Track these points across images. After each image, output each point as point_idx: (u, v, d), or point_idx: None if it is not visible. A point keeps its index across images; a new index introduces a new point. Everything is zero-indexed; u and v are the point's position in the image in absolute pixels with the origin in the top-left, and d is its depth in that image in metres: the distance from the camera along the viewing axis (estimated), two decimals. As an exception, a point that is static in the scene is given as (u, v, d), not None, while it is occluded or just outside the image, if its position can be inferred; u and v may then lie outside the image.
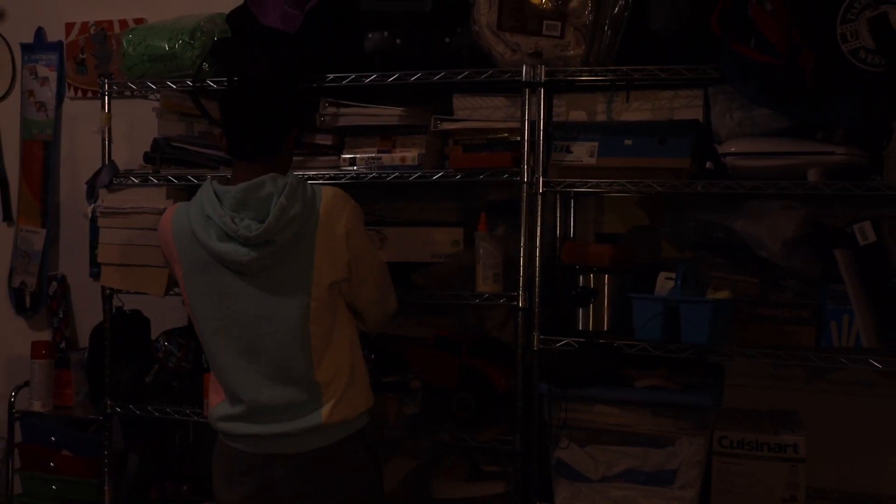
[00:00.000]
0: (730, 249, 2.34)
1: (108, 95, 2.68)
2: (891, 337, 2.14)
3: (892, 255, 2.14)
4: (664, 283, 2.26)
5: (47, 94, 3.25)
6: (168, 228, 2.02)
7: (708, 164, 2.26)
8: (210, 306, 1.98)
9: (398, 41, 2.41)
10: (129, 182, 2.62)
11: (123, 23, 3.15)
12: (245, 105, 2.06)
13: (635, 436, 2.21)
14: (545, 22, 2.29)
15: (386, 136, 2.48)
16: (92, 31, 3.20)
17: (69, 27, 3.23)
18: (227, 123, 2.07)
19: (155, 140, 2.69)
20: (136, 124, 2.98)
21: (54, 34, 3.25)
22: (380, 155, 2.47)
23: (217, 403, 2.05)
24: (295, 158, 2.56)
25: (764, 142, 2.20)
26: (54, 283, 3.21)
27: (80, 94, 3.24)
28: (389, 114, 2.46)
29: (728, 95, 2.23)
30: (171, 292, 2.58)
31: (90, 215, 2.63)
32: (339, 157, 2.52)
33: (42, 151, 3.25)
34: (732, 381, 2.45)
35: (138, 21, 3.11)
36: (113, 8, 3.17)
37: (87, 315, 3.18)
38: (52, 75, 3.24)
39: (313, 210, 1.95)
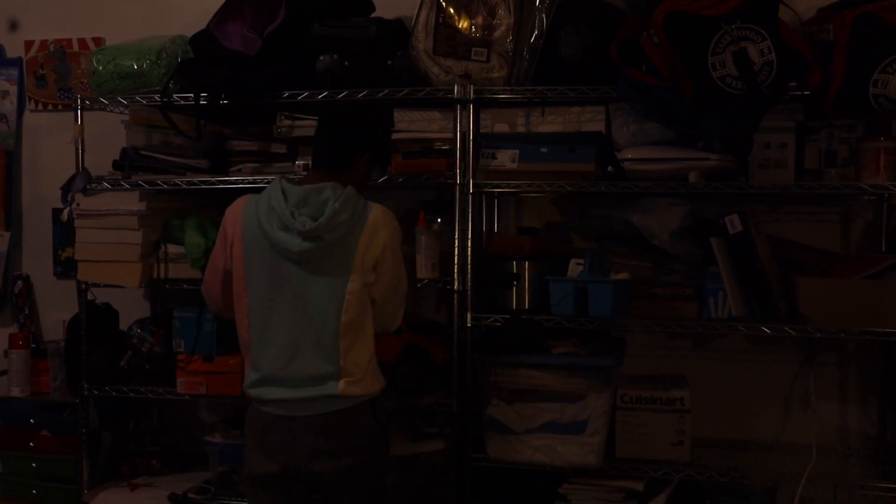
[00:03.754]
0: (628, 239, 2.73)
1: (80, 109, 2.96)
2: (754, 308, 2.59)
3: (755, 242, 2.59)
4: (575, 268, 2.68)
5: (8, 106, 3.48)
6: (240, 213, 2.33)
7: (609, 168, 2.68)
8: (264, 281, 2.28)
9: (346, 63, 2.75)
10: (103, 187, 2.91)
11: (82, 41, 3.41)
12: (327, 123, 2.41)
13: (553, 393, 2.61)
14: (473, 49, 2.68)
15: (335, 145, 2.84)
16: (51, 48, 3.45)
17: (28, 44, 3.47)
18: (314, 136, 2.42)
19: (123, 149, 2.98)
20: (95, 134, 3.22)
21: (14, 51, 3.49)
22: (330, 161, 2.83)
23: (248, 374, 2.34)
24: (252, 165, 2.91)
25: (654, 149, 2.61)
26: (19, 282, 3.44)
27: (40, 106, 3.48)
28: (339, 126, 2.82)
29: (625, 111, 2.63)
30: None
31: (66, 217, 2.90)
32: (294, 163, 2.87)
33: (4, 160, 3.48)
34: (632, 352, 2.87)
35: (97, 40, 3.39)
36: (71, 27, 3.42)
37: (50, 311, 3.45)
38: (13, 89, 3.48)
39: (362, 219, 2.27)
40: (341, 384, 2.26)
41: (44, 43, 3.46)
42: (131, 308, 3.18)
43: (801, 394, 2.88)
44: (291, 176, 2.49)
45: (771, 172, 2.64)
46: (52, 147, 3.45)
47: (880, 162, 2.55)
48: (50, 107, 3.47)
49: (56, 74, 3.45)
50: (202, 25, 2.87)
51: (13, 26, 3.43)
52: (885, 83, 2.39)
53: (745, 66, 2.36)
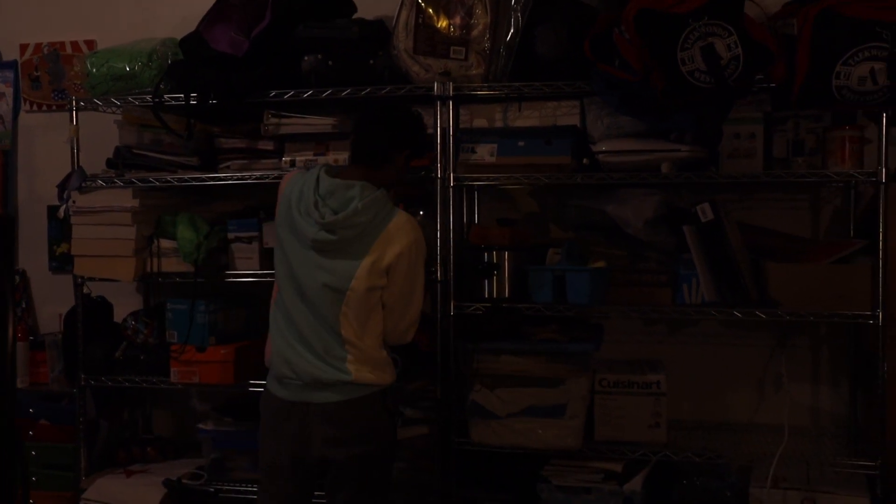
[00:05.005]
0: (604, 229, 2.81)
1: (74, 110, 3.05)
2: (726, 293, 2.68)
3: (726, 230, 2.67)
4: (553, 257, 2.78)
5: (4, 107, 3.57)
6: (284, 186, 2.42)
7: (585, 161, 2.77)
8: (286, 258, 2.37)
9: (330, 63, 2.84)
10: (98, 185, 3.00)
11: (75, 44, 3.50)
12: (367, 120, 2.45)
13: (534, 379, 2.69)
14: (452, 47, 2.76)
15: (321, 141, 2.91)
16: (45, 51, 3.53)
17: (23, 47, 3.56)
18: (353, 132, 2.47)
19: (117, 148, 3.07)
20: (89, 134, 3.29)
21: (9, 54, 3.58)
22: (315, 157, 2.89)
23: (270, 354, 2.42)
24: (241, 161, 3.00)
25: (627, 142, 2.69)
26: (17, 277, 3.53)
27: (35, 107, 3.57)
28: (324, 123, 2.88)
29: (599, 105, 2.72)
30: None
31: (63, 214, 2.99)
32: (281, 160, 2.96)
33: (1, 160, 3.57)
34: (610, 338, 2.94)
35: (89, 42, 3.48)
36: (64, 30, 3.51)
37: (47, 305, 3.55)
38: (9, 91, 3.57)
39: (383, 224, 2.31)
40: (353, 370, 2.32)
41: (38, 46, 3.55)
42: (125, 301, 3.29)
43: (774, 376, 2.96)
44: (334, 165, 2.52)
45: (740, 162, 2.72)
46: (47, 146, 3.54)
47: (846, 150, 2.64)
48: (44, 108, 3.56)
49: (50, 76, 3.54)
50: (191, 28, 2.96)
51: None
52: (848, 75, 2.46)
53: (712, 61, 2.44)
